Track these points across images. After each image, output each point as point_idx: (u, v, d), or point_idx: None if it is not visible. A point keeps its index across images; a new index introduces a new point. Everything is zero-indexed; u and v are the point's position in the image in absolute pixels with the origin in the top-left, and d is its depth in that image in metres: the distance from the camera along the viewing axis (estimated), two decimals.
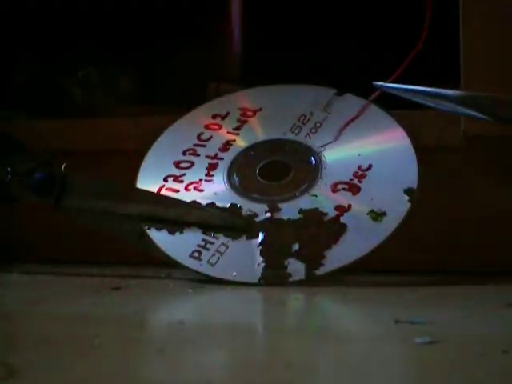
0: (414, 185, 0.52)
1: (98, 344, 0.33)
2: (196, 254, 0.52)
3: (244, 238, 0.52)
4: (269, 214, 0.53)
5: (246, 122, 0.58)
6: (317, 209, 0.52)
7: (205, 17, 0.77)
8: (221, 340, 0.36)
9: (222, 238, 0.52)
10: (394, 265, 0.55)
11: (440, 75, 0.60)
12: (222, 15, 0.76)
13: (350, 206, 0.52)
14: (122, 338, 0.35)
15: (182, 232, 0.53)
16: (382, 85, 0.52)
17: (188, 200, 0.55)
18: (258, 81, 0.61)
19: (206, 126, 0.59)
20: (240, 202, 0.54)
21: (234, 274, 0.51)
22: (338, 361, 0.32)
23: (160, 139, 0.59)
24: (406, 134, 0.54)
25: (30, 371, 0.30)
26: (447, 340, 0.34)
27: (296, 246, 0.51)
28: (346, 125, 0.56)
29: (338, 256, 0.50)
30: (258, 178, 0.55)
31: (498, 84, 0.53)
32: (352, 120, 0.56)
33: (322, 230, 0.52)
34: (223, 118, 0.59)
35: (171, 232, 0.53)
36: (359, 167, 0.54)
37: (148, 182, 0.57)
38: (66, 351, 0.33)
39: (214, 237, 0.52)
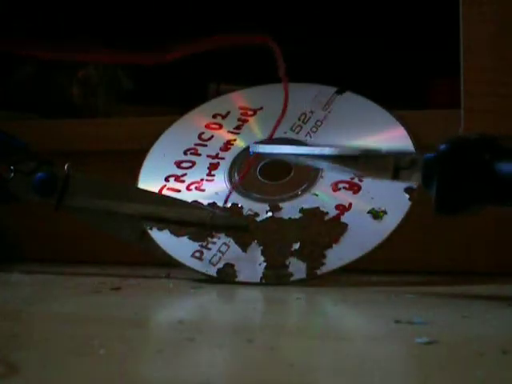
0: (414, 184, 0.52)
1: (97, 344, 0.33)
2: (197, 254, 0.52)
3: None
4: (270, 214, 0.53)
5: (246, 121, 0.58)
6: (318, 208, 0.52)
7: (205, 16, 0.77)
8: (221, 340, 0.36)
9: (223, 238, 0.52)
10: (394, 265, 0.55)
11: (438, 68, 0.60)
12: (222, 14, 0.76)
13: (350, 204, 0.52)
14: (122, 338, 0.35)
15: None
16: (258, 150, 0.53)
17: (189, 200, 0.55)
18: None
19: (207, 126, 0.59)
20: (241, 201, 0.54)
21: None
22: (338, 361, 0.32)
23: (161, 139, 0.59)
24: (406, 134, 0.54)
25: (31, 370, 0.30)
26: (447, 340, 0.34)
27: (297, 245, 0.51)
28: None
29: (339, 255, 0.50)
30: (259, 177, 0.55)
31: (497, 71, 0.53)
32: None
33: (323, 229, 0.52)
34: (224, 117, 0.59)
35: (174, 233, 0.53)
36: None
37: (149, 181, 0.57)
38: (66, 351, 0.33)
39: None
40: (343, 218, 0.52)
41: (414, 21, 0.71)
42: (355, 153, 0.46)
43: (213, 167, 0.56)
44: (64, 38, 0.63)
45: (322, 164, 0.47)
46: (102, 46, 0.64)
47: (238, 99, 0.60)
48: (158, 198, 0.55)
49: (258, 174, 0.56)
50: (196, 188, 0.56)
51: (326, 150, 0.46)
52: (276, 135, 0.57)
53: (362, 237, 0.51)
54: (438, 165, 0.43)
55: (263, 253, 0.51)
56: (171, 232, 0.53)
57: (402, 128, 0.55)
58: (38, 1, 0.75)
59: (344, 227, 0.51)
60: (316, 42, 0.58)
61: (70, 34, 0.68)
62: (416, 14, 0.71)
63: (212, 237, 0.52)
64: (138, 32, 0.74)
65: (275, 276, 0.50)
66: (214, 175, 0.56)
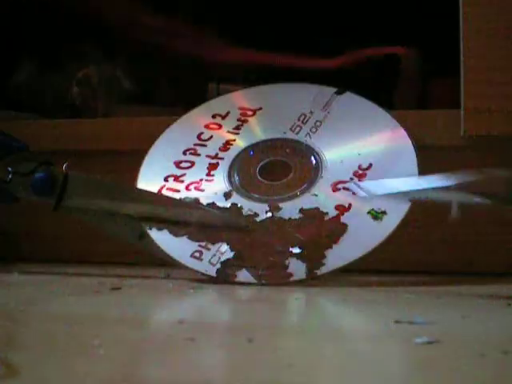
0: None
1: (97, 344, 0.33)
2: (197, 254, 0.52)
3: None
4: (269, 214, 0.53)
5: (245, 121, 0.58)
6: (317, 208, 0.52)
7: (204, 17, 0.77)
8: (221, 340, 0.36)
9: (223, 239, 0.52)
10: (393, 265, 0.56)
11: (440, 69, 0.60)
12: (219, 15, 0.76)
13: (350, 205, 0.52)
14: (122, 338, 0.35)
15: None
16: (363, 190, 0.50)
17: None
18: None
19: (206, 126, 0.59)
20: (240, 201, 0.54)
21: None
22: (338, 361, 0.32)
23: (160, 139, 0.59)
24: (406, 134, 0.54)
25: (31, 371, 0.30)
26: (447, 340, 0.34)
27: (297, 246, 0.51)
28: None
29: (339, 255, 0.50)
30: (259, 177, 0.55)
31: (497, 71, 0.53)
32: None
33: (323, 229, 0.52)
34: (223, 117, 0.59)
35: (173, 233, 0.53)
36: (359, 166, 0.54)
37: (149, 181, 0.57)
38: (66, 351, 0.33)
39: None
40: (343, 219, 0.52)
41: (413, 21, 0.71)
42: (470, 178, 0.44)
43: (212, 167, 0.56)
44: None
45: (447, 195, 0.44)
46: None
47: (237, 99, 0.60)
48: (157, 198, 0.55)
49: (257, 174, 0.56)
50: (195, 188, 0.56)
51: (438, 182, 0.44)
52: (275, 135, 0.57)
53: (361, 237, 0.51)
54: None
55: (263, 253, 0.51)
56: (170, 232, 0.53)
57: (402, 128, 0.55)
58: None
59: (344, 227, 0.51)
60: None
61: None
62: (416, 14, 0.71)
63: (214, 243, 0.52)
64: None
65: (275, 276, 0.50)
66: (213, 175, 0.56)
